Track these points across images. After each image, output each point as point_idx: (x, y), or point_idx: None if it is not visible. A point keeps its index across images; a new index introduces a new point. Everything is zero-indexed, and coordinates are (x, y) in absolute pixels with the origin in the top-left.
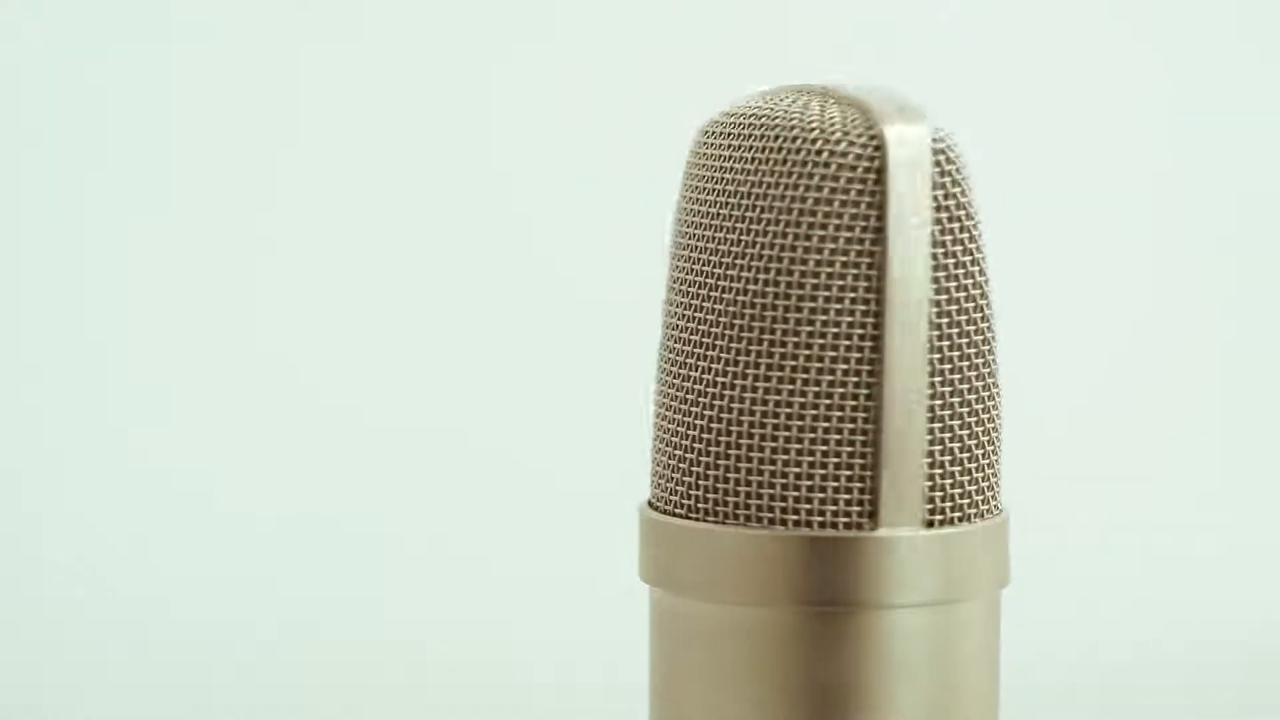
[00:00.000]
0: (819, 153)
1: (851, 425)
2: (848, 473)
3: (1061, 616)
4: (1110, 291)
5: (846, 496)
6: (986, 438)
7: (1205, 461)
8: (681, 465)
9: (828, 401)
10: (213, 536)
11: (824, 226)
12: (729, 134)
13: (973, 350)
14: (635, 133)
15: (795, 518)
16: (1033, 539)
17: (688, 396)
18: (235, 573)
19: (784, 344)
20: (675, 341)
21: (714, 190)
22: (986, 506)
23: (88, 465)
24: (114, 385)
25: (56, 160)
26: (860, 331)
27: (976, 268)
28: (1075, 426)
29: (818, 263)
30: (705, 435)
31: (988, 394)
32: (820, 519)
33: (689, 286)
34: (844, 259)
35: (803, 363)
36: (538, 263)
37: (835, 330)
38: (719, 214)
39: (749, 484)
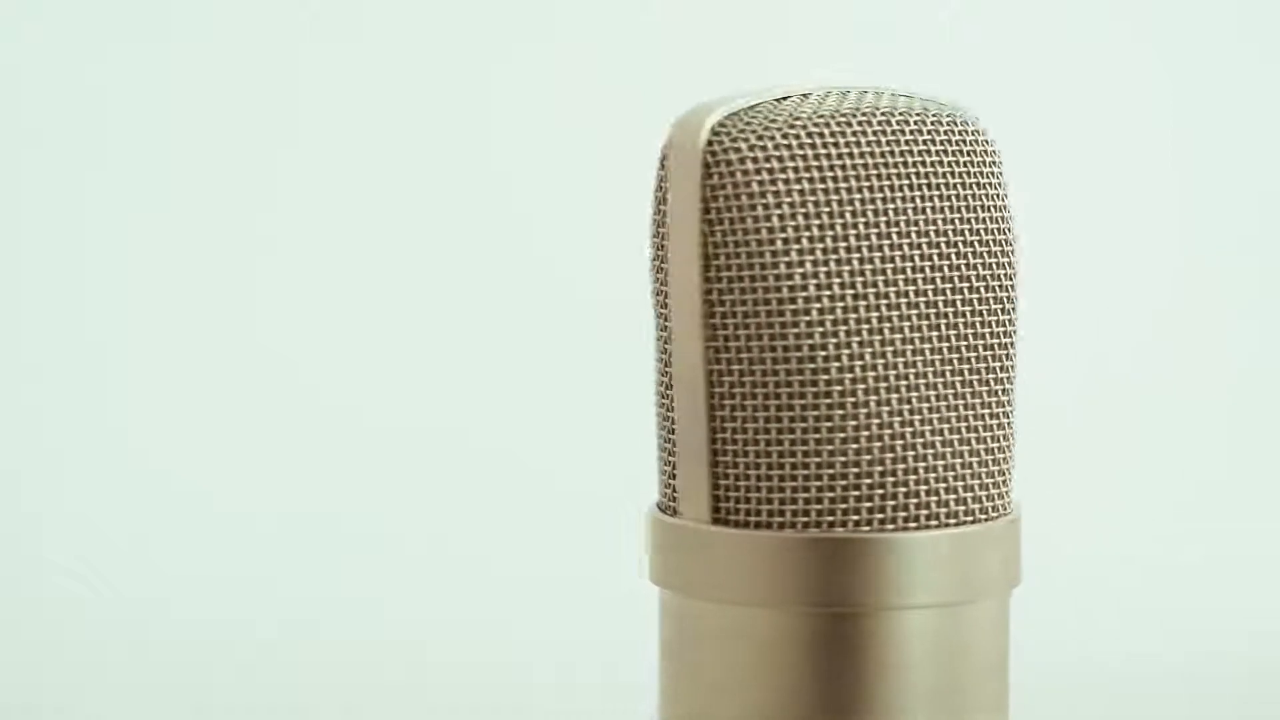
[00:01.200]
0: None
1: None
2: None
3: (1067, 620)
4: (1120, 301)
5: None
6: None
7: (1212, 471)
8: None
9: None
10: (213, 536)
11: (652, 227)
12: None
13: (911, 349)
14: (639, 133)
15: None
16: (1040, 543)
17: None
18: (235, 573)
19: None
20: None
21: None
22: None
23: (88, 465)
24: (114, 385)
25: (56, 160)
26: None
27: (875, 263)
28: (1082, 431)
29: (654, 260)
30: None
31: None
32: (830, 519)
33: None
34: (656, 261)
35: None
36: (541, 263)
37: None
38: None
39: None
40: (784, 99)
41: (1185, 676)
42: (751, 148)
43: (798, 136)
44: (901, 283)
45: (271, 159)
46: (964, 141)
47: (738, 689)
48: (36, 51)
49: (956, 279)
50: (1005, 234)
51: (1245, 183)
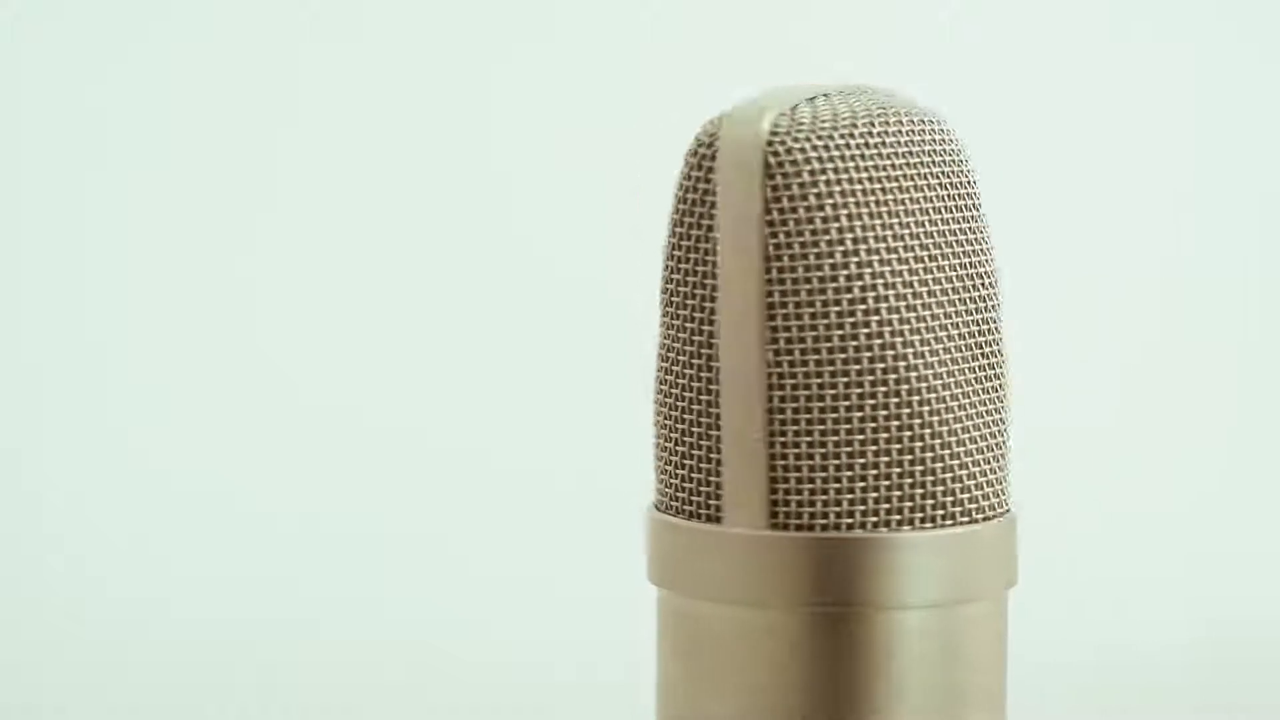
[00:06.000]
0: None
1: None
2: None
3: (1069, 616)
4: (1118, 297)
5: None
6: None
7: (1213, 460)
8: (682, 466)
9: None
10: (212, 537)
11: (679, 225)
12: None
13: (924, 350)
14: (638, 133)
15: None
16: (1040, 539)
17: (674, 397)
18: (235, 573)
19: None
20: (665, 343)
21: None
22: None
23: (88, 466)
24: (114, 386)
25: (56, 160)
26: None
27: (939, 261)
28: (1082, 426)
29: (685, 260)
30: (691, 436)
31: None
32: (824, 520)
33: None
34: (687, 261)
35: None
36: (543, 264)
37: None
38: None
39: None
40: (813, 99)
41: (1183, 676)
42: (814, 148)
43: (853, 136)
44: (922, 283)
45: (272, 162)
46: (947, 143)
47: (734, 689)
48: (37, 53)
49: (957, 280)
50: (985, 232)
51: (1248, 179)
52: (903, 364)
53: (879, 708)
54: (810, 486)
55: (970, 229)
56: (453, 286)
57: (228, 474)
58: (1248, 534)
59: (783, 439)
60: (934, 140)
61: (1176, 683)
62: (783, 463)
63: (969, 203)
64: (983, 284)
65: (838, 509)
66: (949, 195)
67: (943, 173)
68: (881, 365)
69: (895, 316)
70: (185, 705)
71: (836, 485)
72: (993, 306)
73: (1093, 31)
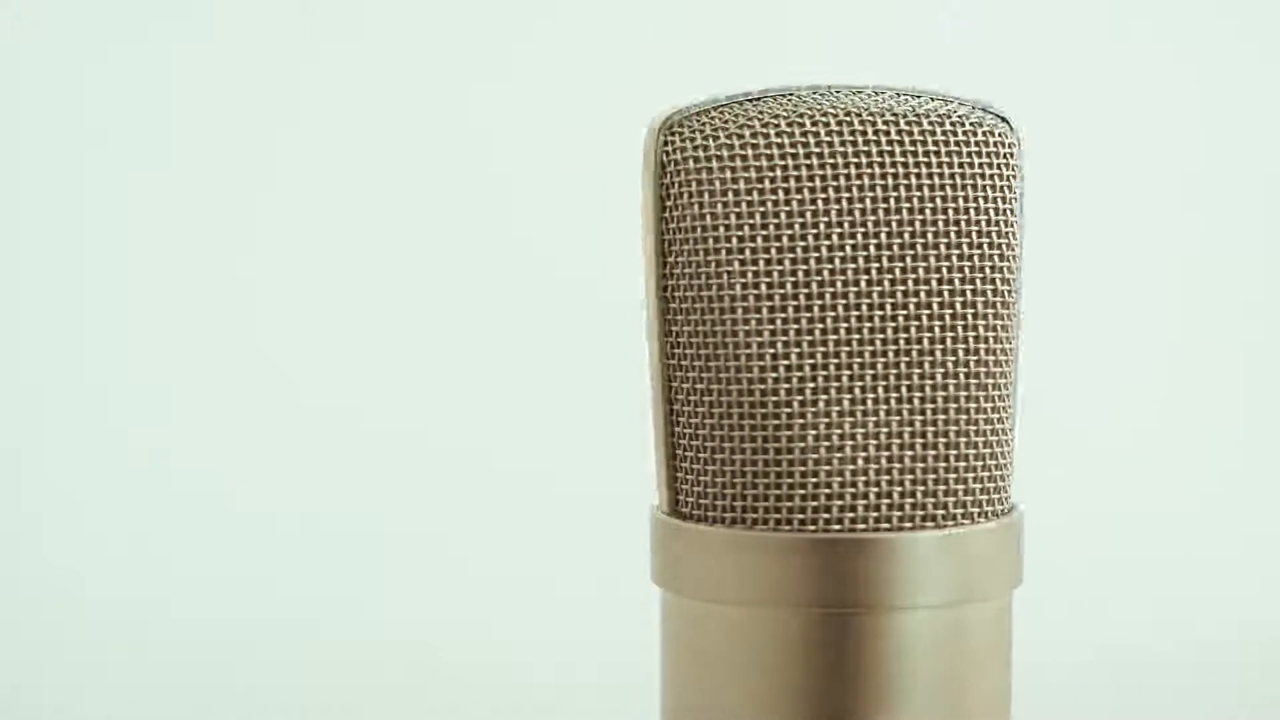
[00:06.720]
0: None
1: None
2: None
3: (1074, 616)
4: (1122, 296)
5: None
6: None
7: (1219, 460)
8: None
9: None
10: (212, 537)
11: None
12: None
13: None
14: (641, 132)
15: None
16: (1045, 539)
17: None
18: (235, 572)
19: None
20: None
21: None
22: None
23: (88, 466)
24: (114, 385)
25: (56, 161)
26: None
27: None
28: (1087, 425)
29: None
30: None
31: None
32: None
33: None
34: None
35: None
36: (543, 264)
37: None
38: None
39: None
40: (757, 99)
41: (1189, 676)
42: (695, 148)
43: (740, 137)
44: (862, 282)
45: (272, 163)
46: (950, 141)
47: (735, 689)
48: (36, 52)
49: (940, 277)
50: (999, 232)
51: (1255, 181)
52: (759, 365)
53: (883, 709)
54: (690, 479)
55: (960, 227)
56: (452, 286)
57: (228, 474)
58: (1252, 534)
59: (677, 430)
60: (903, 141)
61: (1181, 683)
62: (679, 454)
63: (960, 202)
64: (974, 281)
65: (705, 502)
66: (899, 198)
67: (892, 173)
68: (735, 364)
69: (754, 318)
70: (185, 705)
71: (704, 479)
72: (991, 301)
73: (1091, 31)
